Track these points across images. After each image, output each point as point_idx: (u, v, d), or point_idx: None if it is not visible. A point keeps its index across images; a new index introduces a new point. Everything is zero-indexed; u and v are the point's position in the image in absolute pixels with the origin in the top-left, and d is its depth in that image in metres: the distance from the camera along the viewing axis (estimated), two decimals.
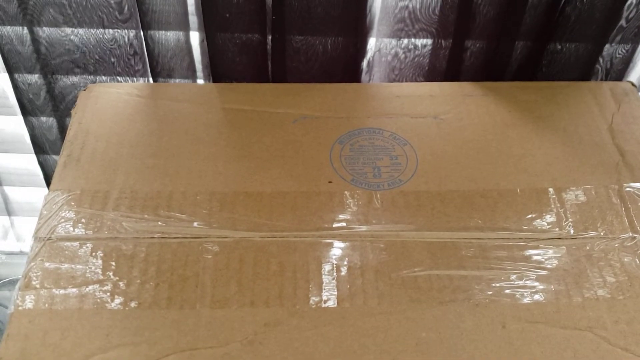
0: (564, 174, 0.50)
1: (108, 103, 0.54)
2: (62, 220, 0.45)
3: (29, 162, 0.76)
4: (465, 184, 0.49)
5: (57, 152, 0.70)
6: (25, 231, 0.89)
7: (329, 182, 0.49)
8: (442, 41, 0.61)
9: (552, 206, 0.47)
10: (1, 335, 0.40)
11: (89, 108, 0.53)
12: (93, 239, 0.44)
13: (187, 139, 0.51)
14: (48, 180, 0.74)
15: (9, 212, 0.85)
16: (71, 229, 0.44)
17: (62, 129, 0.68)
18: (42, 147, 0.71)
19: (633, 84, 0.58)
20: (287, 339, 0.40)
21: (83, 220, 0.45)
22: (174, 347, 0.39)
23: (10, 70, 0.63)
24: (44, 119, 0.67)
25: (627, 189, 0.49)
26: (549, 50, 0.61)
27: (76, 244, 0.43)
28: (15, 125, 0.72)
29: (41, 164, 0.73)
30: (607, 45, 0.60)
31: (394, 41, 0.61)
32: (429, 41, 0.61)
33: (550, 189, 0.49)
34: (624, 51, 0.61)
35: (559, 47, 0.60)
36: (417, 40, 0.61)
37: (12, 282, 0.89)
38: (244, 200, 0.47)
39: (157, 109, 0.54)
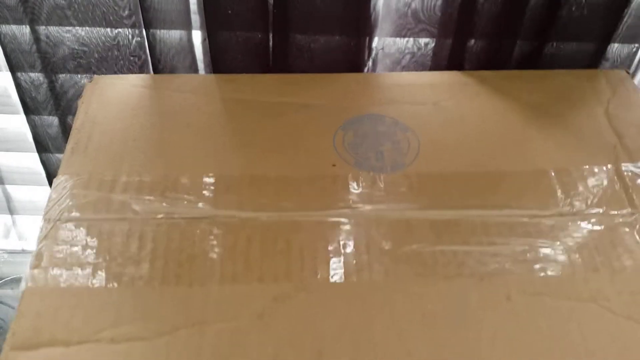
0: (563, 156, 0.51)
1: (113, 94, 0.55)
2: (71, 202, 0.45)
3: (31, 161, 0.76)
4: (466, 166, 0.50)
5: (60, 151, 0.71)
6: (28, 230, 0.89)
7: (333, 165, 0.50)
8: (444, 40, 0.62)
9: (553, 185, 0.48)
10: (4, 334, 0.40)
11: (95, 99, 0.54)
12: (102, 220, 0.44)
13: (191, 128, 0.52)
14: (50, 179, 0.75)
15: (11, 211, 0.86)
16: (80, 210, 0.45)
17: (64, 128, 0.69)
18: (45, 146, 0.71)
19: (627, 71, 0.59)
20: (295, 313, 0.40)
21: (92, 202, 0.46)
22: (184, 322, 0.39)
23: (13, 68, 0.64)
24: (46, 117, 0.68)
25: (625, 168, 0.50)
26: (551, 49, 0.62)
27: (85, 224, 0.44)
28: (18, 124, 0.72)
29: (43, 163, 0.73)
30: (610, 45, 0.61)
31: (397, 40, 0.62)
32: (432, 40, 0.62)
33: (551, 170, 0.50)
34: (627, 50, 0.62)
35: (561, 46, 0.62)
36: (420, 39, 0.62)
37: (15, 281, 0.90)
38: (250, 183, 0.48)
39: (161, 99, 0.55)
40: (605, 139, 0.52)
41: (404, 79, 0.58)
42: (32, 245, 0.90)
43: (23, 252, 0.90)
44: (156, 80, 0.57)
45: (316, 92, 0.56)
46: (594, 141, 0.52)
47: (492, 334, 0.39)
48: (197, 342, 0.38)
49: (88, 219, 0.44)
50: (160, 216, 0.45)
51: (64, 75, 0.64)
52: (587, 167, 0.50)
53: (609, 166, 0.50)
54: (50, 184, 0.74)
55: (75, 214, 0.45)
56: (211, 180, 0.48)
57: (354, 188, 0.48)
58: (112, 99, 0.54)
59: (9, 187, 0.82)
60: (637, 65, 0.64)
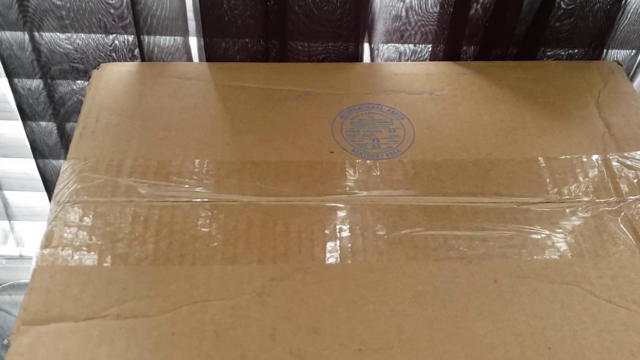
0: (553, 145, 0.53)
1: (120, 80, 0.57)
2: (79, 185, 0.47)
3: (29, 167, 0.77)
4: (459, 153, 0.52)
5: (57, 157, 0.72)
6: (25, 235, 0.90)
7: (331, 152, 0.51)
8: (439, 46, 0.63)
9: (542, 173, 0.50)
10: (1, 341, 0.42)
11: (102, 85, 0.56)
12: (109, 202, 0.47)
13: (195, 113, 0.54)
14: (47, 185, 0.75)
15: (9, 217, 0.86)
16: (88, 193, 0.47)
17: (62, 134, 0.70)
18: (42, 152, 0.72)
19: (619, 63, 0.61)
20: (293, 291, 0.42)
21: (99, 185, 0.48)
22: (187, 299, 0.42)
23: (10, 75, 0.64)
24: (43, 124, 0.69)
25: (612, 157, 0.52)
26: (544, 55, 0.63)
27: (92, 207, 0.46)
28: (15, 130, 0.73)
29: (40, 169, 0.74)
30: (605, 50, 0.63)
31: (392, 46, 0.64)
32: (428, 46, 0.63)
33: (540, 158, 0.51)
34: (622, 56, 0.63)
35: (555, 52, 0.63)
36: (415, 45, 0.64)
37: (12, 287, 0.90)
38: (251, 168, 0.50)
39: (167, 85, 0.56)
40: (595, 129, 0.54)
41: (401, 68, 0.60)
42: (30, 251, 0.90)
43: (21, 257, 0.90)
44: (162, 67, 0.59)
45: (316, 81, 0.58)
46: (584, 131, 0.54)
47: (478, 313, 0.41)
48: (199, 319, 0.41)
49: (95, 202, 0.47)
50: (164, 199, 0.47)
51: (60, 81, 0.65)
52: (576, 156, 0.52)
53: (597, 155, 0.52)
54: (47, 189, 0.75)
55: (83, 196, 0.47)
56: (214, 165, 0.50)
57: (351, 174, 0.50)
58: (119, 85, 0.56)
59: (6, 193, 0.82)
60: (635, 70, 0.65)
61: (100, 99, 0.55)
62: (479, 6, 0.59)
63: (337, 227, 0.46)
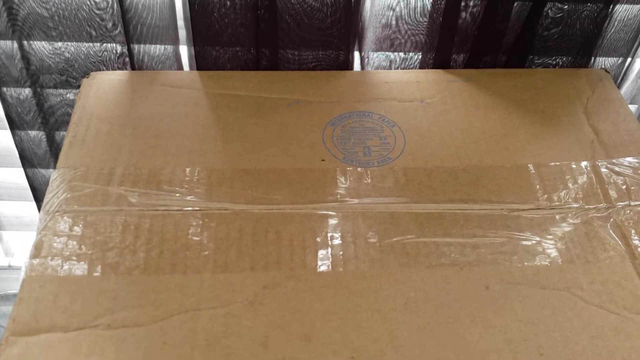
0: (542, 152, 0.53)
1: (110, 89, 0.57)
2: (69, 194, 0.47)
3: (18, 176, 0.76)
4: (450, 160, 0.52)
5: (46, 166, 0.71)
6: (14, 245, 0.89)
7: (322, 160, 0.52)
8: (429, 54, 0.63)
9: (532, 180, 0.51)
10: None
11: (92, 94, 0.56)
12: (99, 211, 0.46)
13: (186, 121, 0.54)
14: (36, 194, 0.75)
15: None
16: (78, 202, 0.47)
17: (51, 143, 0.69)
18: (31, 161, 0.71)
19: (607, 71, 0.62)
20: (285, 299, 0.42)
21: (89, 194, 0.47)
22: (178, 308, 0.41)
23: None
24: (32, 133, 0.68)
25: (601, 164, 0.52)
26: (534, 63, 0.64)
27: (82, 216, 0.46)
28: (4, 139, 0.72)
29: (29, 178, 0.73)
30: (592, 58, 0.63)
31: (383, 54, 0.64)
32: (418, 54, 0.64)
33: (530, 165, 0.52)
34: (610, 63, 0.64)
35: (544, 60, 0.64)
36: (405, 53, 0.64)
37: (1, 298, 0.89)
38: (242, 176, 0.50)
39: (157, 94, 0.56)
40: (584, 136, 0.55)
41: (391, 76, 0.60)
42: (19, 261, 0.89)
43: (10, 268, 0.88)
44: (152, 76, 0.59)
45: (307, 89, 0.58)
46: (573, 137, 0.54)
47: (470, 319, 0.41)
48: (191, 328, 0.40)
49: (85, 211, 0.46)
50: (156, 208, 0.47)
51: (50, 90, 0.64)
52: (565, 162, 0.52)
53: (586, 162, 0.52)
54: (36, 199, 0.74)
55: (73, 206, 0.46)
56: (205, 173, 0.50)
57: (342, 182, 0.50)
58: (109, 94, 0.56)
59: None
60: (623, 77, 0.66)
61: (90, 107, 0.55)
62: (468, 15, 0.60)
63: (329, 234, 0.46)
